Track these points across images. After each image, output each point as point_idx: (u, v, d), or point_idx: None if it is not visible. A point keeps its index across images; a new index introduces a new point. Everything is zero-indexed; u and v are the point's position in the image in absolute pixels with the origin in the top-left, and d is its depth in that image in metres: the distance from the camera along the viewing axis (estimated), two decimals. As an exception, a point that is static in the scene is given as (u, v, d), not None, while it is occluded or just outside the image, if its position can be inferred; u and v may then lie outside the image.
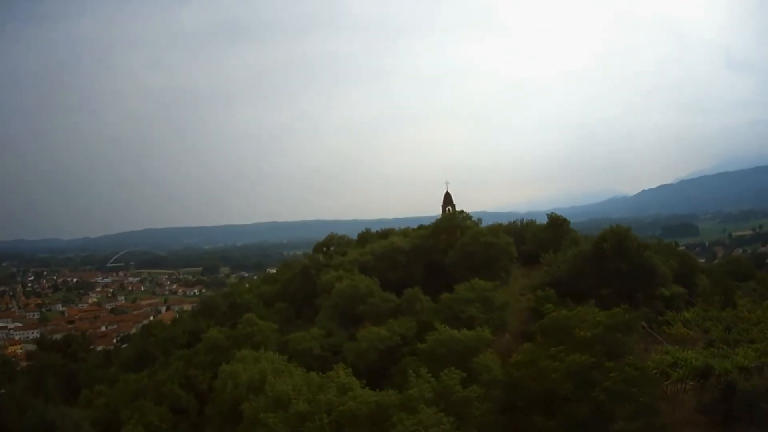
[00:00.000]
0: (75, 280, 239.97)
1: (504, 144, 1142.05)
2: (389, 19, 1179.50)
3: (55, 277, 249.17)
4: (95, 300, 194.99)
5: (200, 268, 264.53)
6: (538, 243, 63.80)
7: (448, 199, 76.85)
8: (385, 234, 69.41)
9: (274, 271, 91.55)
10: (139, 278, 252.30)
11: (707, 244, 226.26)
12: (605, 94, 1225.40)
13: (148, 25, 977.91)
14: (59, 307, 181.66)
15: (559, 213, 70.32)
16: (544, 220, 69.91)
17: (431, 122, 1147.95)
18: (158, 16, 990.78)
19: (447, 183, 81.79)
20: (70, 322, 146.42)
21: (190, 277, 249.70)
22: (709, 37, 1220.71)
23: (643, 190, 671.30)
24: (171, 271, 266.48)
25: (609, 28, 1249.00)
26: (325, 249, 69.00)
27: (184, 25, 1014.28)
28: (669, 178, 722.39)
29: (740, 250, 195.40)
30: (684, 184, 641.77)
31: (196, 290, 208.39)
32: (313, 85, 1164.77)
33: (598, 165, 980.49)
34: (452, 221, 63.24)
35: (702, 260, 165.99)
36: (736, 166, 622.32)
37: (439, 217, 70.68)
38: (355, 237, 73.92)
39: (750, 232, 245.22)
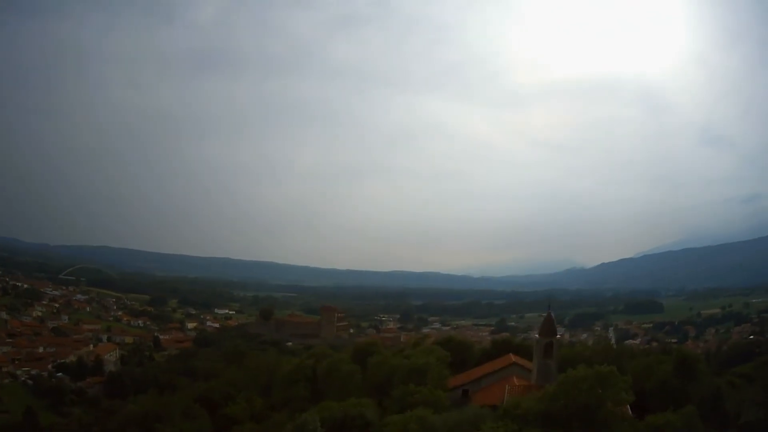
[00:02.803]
0: (25, 286, 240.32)
1: (464, 206, 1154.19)
2: (366, 70, 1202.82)
3: (7, 279, 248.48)
4: (39, 313, 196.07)
5: (148, 297, 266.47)
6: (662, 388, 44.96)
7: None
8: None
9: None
10: (87, 297, 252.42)
11: (677, 323, 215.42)
12: (576, 165, 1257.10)
13: (127, 41, 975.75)
14: (4, 314, 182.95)
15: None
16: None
17: (395, 176, 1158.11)
18: (139, 33, 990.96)
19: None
20: (11, 335, 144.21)
21: (137, 305, 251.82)
22: (686, 112, 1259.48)
23: (602, 263, 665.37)
24: (119, 295, 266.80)
25: (585, 100, 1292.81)
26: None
27: (162, 47, 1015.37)
28: (630, 252, 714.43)
29: (713, 330, 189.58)
30: (646, 259, 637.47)
31: (140, 321, 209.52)
32: (282, 126, 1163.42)
33: (558, 235, 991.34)
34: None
35: (674, 340, 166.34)
36: (703, 243, 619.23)
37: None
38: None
39: (719, 310, 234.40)
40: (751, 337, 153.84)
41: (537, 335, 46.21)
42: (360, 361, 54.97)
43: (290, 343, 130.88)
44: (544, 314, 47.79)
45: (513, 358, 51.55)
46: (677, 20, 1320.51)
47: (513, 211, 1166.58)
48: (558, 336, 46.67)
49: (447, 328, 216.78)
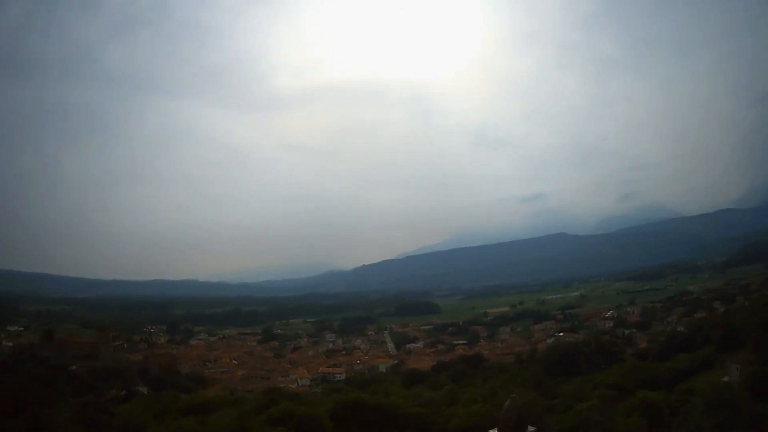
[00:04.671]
0: None
1: (222, 211, 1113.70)
2: (137, 74, 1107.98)
3: None
4: None
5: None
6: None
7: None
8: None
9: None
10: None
11: (461, 323, 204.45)
12: (337, 168, 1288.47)
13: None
14: None
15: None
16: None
17: (156, 183, 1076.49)
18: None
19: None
20: None
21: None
22: (462, 114, 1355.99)
23: (363, 265, 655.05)
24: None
25: (350, 104, 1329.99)
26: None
27: None
28: (392, 254, 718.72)
29: (508, 329, 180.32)
30: (410, 260, 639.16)
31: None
32: (58, 133, 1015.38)
33: (316, 238, 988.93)
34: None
35: (463, 342, 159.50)
36: (477, 242, 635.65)
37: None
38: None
39: (508, 309, 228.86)
40: (560, 334, 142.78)
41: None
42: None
43: (74, 367, 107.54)
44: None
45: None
46: (462, 25, 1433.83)
47: (270, 215, 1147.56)
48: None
49: (214, 338, 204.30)
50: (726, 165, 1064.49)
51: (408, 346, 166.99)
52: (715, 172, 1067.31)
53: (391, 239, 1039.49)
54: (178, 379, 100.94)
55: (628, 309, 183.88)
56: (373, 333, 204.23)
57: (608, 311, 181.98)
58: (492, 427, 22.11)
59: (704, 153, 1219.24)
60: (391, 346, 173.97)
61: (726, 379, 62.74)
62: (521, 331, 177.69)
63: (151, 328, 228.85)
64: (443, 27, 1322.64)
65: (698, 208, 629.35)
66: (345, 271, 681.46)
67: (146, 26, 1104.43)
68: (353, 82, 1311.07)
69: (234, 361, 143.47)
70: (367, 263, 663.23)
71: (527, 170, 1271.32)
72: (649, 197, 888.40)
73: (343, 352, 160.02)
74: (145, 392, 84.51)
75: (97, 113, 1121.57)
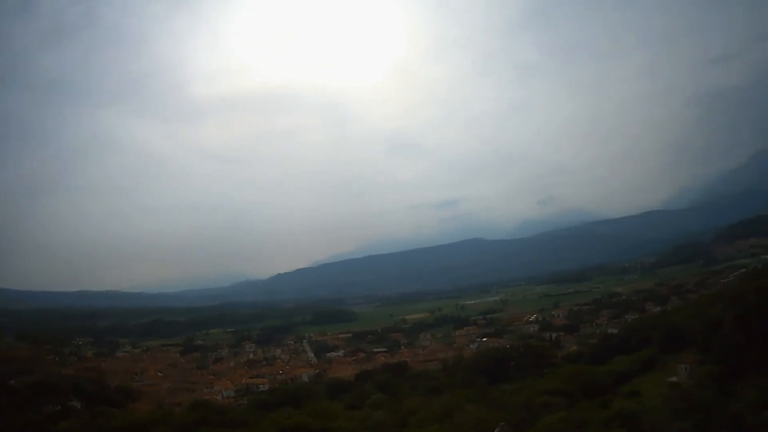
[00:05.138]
0: None
1: (139, 221, 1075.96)
2: (61, 83, 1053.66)
3: None
4: None
5: None
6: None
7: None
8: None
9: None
10: None
11: (380, 331, 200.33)
12: (252, 177, 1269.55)
13: None
14: None
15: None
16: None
17: (76, 193, 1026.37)
18: None
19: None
20: None
21: None
22: (376, 122, 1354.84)
23: (278, 274, 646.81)
24: None
25: (264, 112, 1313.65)
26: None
27: None
28: (306, 262, 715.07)
29: (428, 336, 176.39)
30: (324, 268, 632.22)
31: None
32: None
33: (231, 247, 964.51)
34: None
35: (383, 349, 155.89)
36: (391, 249, 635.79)
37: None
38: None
39: (426, 315, 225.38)
40: (483, 339, 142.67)
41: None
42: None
43: (12, 381, 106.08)
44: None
45: None
46: (383, 32, 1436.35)
47: (188, 225, 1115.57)
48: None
49: (138, 350, 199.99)
50: (655, 167, 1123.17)
51: (328, 355, 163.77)
52: (643, 174, 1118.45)
53: (305, 247, 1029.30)
54: (108, 393, 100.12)
55: (553, 312, 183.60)
56: (292, 342, 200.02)
57: (532, 315, 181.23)
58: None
59: (632, 156, 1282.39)
60: (311, 355, 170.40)
61: (674, 379, 60.46)
62: (442, 337, 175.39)
63: (79, 341, 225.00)
64: (363, 34, 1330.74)
65: (623, 211, 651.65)
66: (261, 280, 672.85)
67: (73, 35, 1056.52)
68: (269, 89, 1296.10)
69: (160, 374, 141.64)
70: (282, 272, 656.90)
71: (443, 176, 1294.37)
72: (568, 201, 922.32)
73: (264, 363, 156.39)
74: (79, 407, 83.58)
75: (17, 122, 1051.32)
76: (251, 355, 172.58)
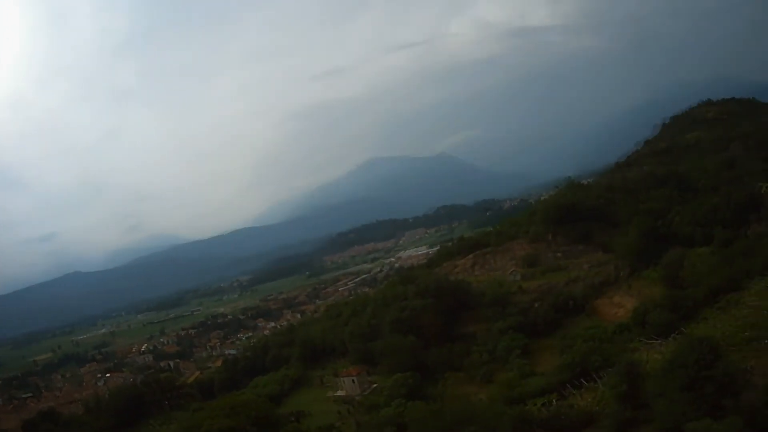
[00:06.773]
0: None
1: None
2: None
3: None
4: None
5: None
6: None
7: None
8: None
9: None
10: None
11: (20, 375, 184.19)
12: None
13: None
14: None
15: None
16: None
17: None
18: None
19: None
20: None
21: None
22: None
23: None
24: None
25: None
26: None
27: None
28: None
29: (59, 376, 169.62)
30: None
31: None
32: None
33: None
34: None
35: (30, 394, 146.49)
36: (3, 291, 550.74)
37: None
38: None
39: (51, 354, 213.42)
40: (108, 375, 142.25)
41: None
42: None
43: None
44: None
45: None
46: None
47: None
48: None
49: None
50: (250, 184, 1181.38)
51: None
52: (234, 192, 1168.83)
53: None
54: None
55: (162, 339, 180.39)
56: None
57: (143, 345, 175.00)
58: None
59: (224, 174, 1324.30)
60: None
61: (341, 393, 64.56)
62: (70, 376, 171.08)
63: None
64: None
65: (212, 231, 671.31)
66: None
67: None
68: None
69: None
70: None
71: (43, 210, 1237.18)
72: (156, 226, 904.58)
73: None
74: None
75: None
76: None
